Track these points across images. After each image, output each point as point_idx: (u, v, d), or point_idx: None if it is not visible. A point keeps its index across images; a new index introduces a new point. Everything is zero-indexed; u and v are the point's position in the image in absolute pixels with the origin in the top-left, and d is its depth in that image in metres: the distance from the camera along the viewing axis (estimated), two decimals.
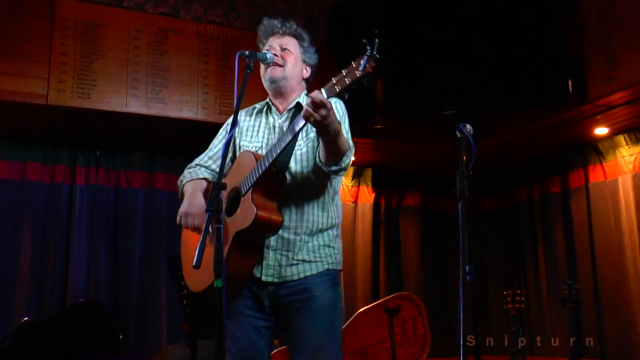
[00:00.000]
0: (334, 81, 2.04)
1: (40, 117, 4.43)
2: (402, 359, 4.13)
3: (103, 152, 5.02)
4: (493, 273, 6.01)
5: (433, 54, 4.41)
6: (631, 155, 4.87)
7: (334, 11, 4.86)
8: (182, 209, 2.39)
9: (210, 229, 2.26)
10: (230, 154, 2.50)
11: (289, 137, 2.17)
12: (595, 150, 5.14)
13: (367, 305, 4.21)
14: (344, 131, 2.28)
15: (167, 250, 4.94)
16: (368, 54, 1.96)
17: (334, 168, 2.24)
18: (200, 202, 2.41)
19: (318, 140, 2.34)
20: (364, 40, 1.97)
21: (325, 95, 2.02)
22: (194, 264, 1.92)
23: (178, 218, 2.39)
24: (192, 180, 2.50)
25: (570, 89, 4.24)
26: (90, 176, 4.96)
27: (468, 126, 2.20)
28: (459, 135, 2.17)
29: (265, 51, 2.45)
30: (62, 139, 4.89)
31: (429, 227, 6.05)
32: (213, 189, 2.03)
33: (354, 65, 1.99)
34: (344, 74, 2.01)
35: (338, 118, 2.29)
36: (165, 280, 4.88)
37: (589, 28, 4.29)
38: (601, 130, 4.90)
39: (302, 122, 2.11)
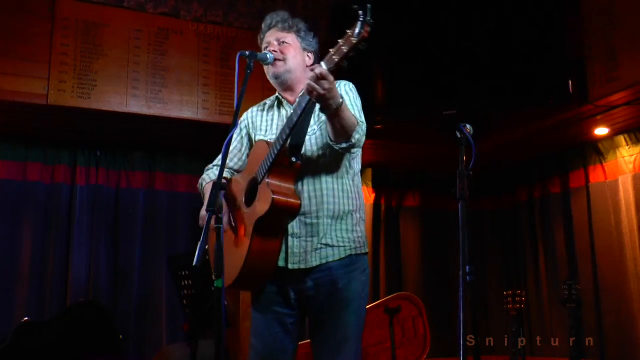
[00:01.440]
0: (332, 52, 2.04)
1: (40, 117, 4.43)
2: (402, 359, 4.13)
3: (103, 152, 5.02)
4: (493, 273, 6.01)
5: (433, 54, 4.41)
6: (631, 155, 4.86)
7: (334, 11, 4.86)
8: (202, 212, 2.36)
9: (232, 223, 2.33)
10: (247, 152, 2.53)
11: (298, 114, 2.17)
12: (596, 151, 5.14)
13: (367, 306, 4.20)
14: (355, 110, 2.30)
15: (167, 250, 4.95)
16: (362, 19, 1.95)
17: (344, 145, 2.23)
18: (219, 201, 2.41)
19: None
20: (355, 6, 1.96)
21: (325, 68, 2.03)
22: (194, 263, 1.92)
23: (200, 221, 2.36)
24: (211, 182, 2.51)
25: (571, 89, 4.24)
26: (91, 176, 4.96)
27: (468, 126, 2.20)
28: (459, 136, 2.18)
29: (265, 51, 2.47)
30: (62, 139, 4.89)
31: (429, 227, 6.04)
32: (213, 188, 2.03)
33: (350, 33, 1.98)
34: (341, 43, 2.01)
35: (350, 99, 2.34)
36: (165, 280, 4.87)
37: (590, 28, 4.29)
38: (601, 131, 4.90)
39: (307, 98, 2.11)
